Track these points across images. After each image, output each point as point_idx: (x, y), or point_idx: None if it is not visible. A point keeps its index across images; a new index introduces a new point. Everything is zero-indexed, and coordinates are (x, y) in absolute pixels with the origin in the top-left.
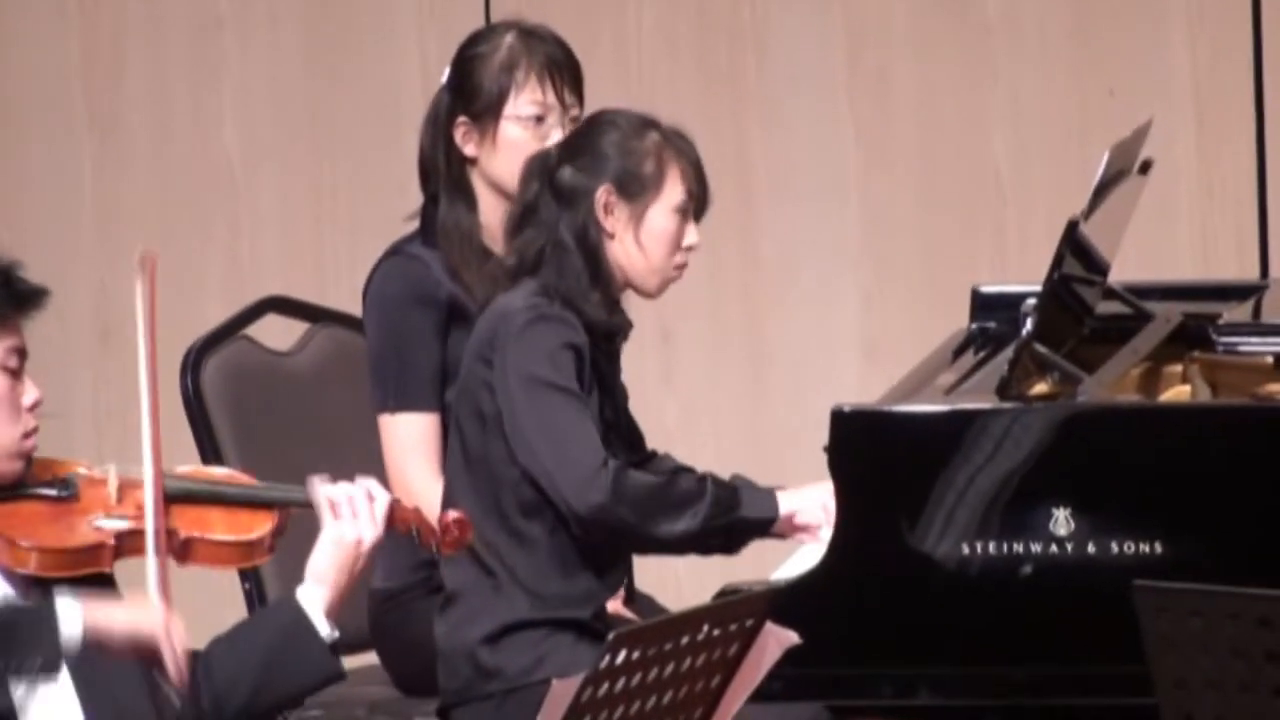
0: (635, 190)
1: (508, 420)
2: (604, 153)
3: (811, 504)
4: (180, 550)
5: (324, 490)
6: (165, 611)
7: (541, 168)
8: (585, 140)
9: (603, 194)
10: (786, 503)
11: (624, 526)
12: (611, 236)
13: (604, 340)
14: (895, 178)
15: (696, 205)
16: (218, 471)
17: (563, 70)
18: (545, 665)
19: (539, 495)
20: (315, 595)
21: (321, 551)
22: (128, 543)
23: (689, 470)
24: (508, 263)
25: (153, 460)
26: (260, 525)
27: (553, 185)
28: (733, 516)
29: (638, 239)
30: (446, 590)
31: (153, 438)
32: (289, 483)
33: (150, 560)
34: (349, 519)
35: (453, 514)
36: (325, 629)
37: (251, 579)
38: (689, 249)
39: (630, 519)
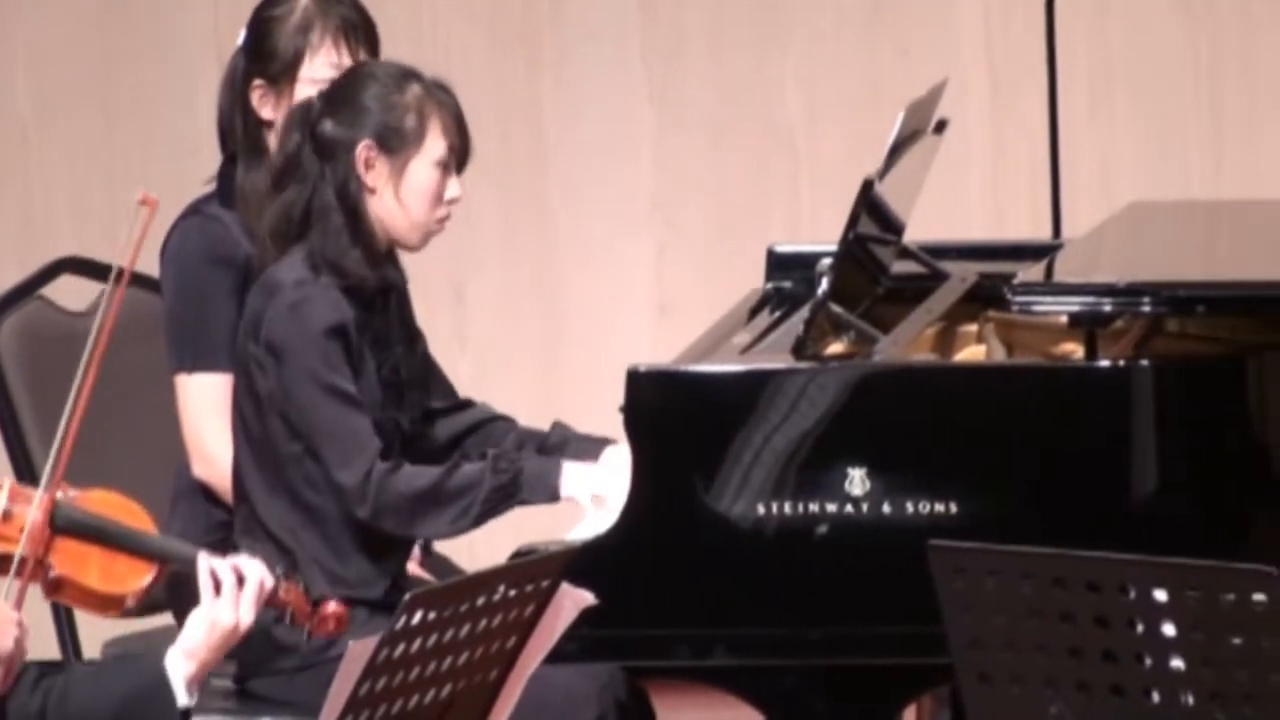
0: (396, 145)
1: (286, 401)
2: (364, 106)
3: (596, 482)
4: (50, 585)
5: (210, 564)
6: (14, 624)
7: (303, 119)
8: (346, 92)
9: (363, 150)
10: (571, 480)
11: (394, 532)
12: (373, 192)
13: (377, 296)
14: (689, 136)
15: (458, 158)
16: (114, 500)
17: (358, 31)
18: (340, 642)
19: (322, 470)
20: (180, 666)
21: (195, 627)
22: None
23: (504, 420)
24: (275, 225)
25: (50, 484)
26: (136, 579)
27: (314, 138)
28: (510, 504)
29: (398, 194)
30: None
31: (58, 460)
32: (107, 468)
33: (12, 582)
34: (228, 602)
35: (333, 607)
36: (184, 698)
37: None
38: (451, 202)
39: (398, 527)
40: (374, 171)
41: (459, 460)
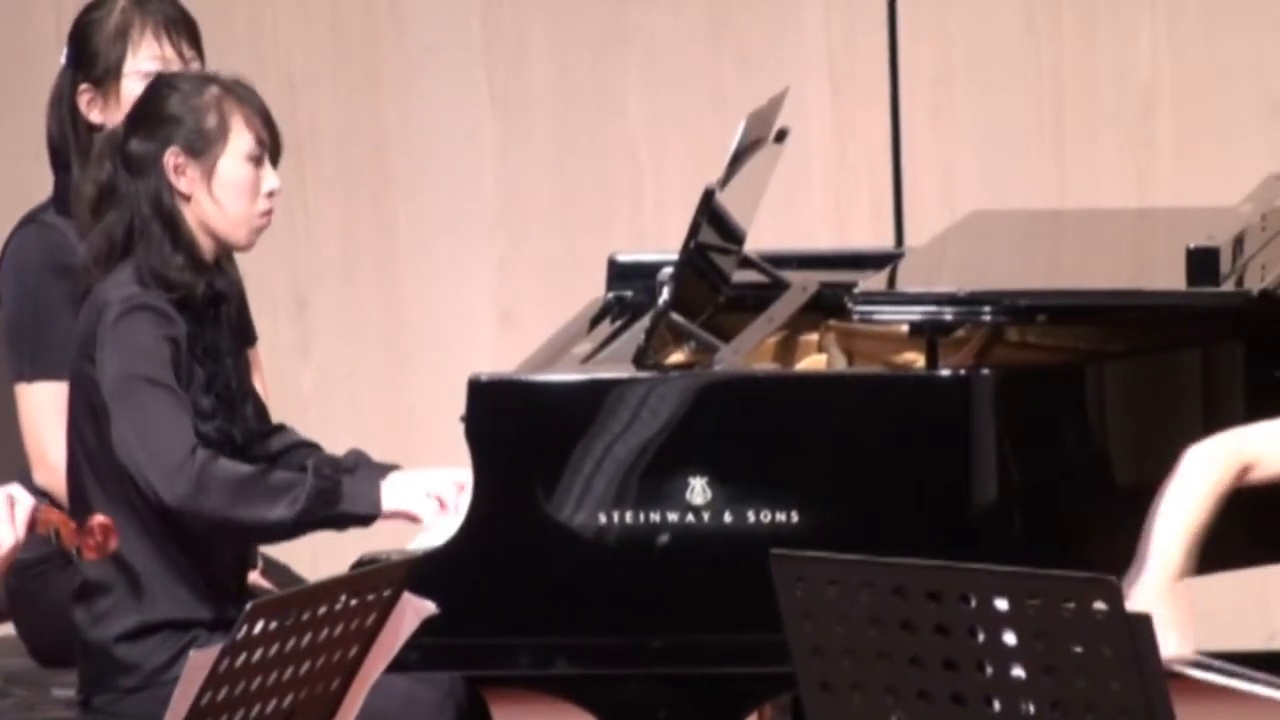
0: (201, 146)
1: (111, 402)
2: (166, 116)
3: (418, 494)
4: None
5: None
6: None
7: (110, 146)
8: (147, 108)
9: (170, 157)
10: (392, 495)
11: (215, 515)
12: (188, 198)
13: (209, 308)
14: (531, 147)
15: (270, 151)
16: None
17: (179, 25)
18: (182, 661)
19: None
20: None
21: None
22: None
23: (310, 446)
24: (98, 250)
25: None
26: None
27: (124, 159)
28: (333, 510)
29: (213, 194)
30: (84, 579)
31: None
32: None
33: None
34: (4, 521)
35: (98, 518)
36: None
37: None
38: (270, 194)
39: (219, 508)
40: (185, 177)
41: (284, 454)
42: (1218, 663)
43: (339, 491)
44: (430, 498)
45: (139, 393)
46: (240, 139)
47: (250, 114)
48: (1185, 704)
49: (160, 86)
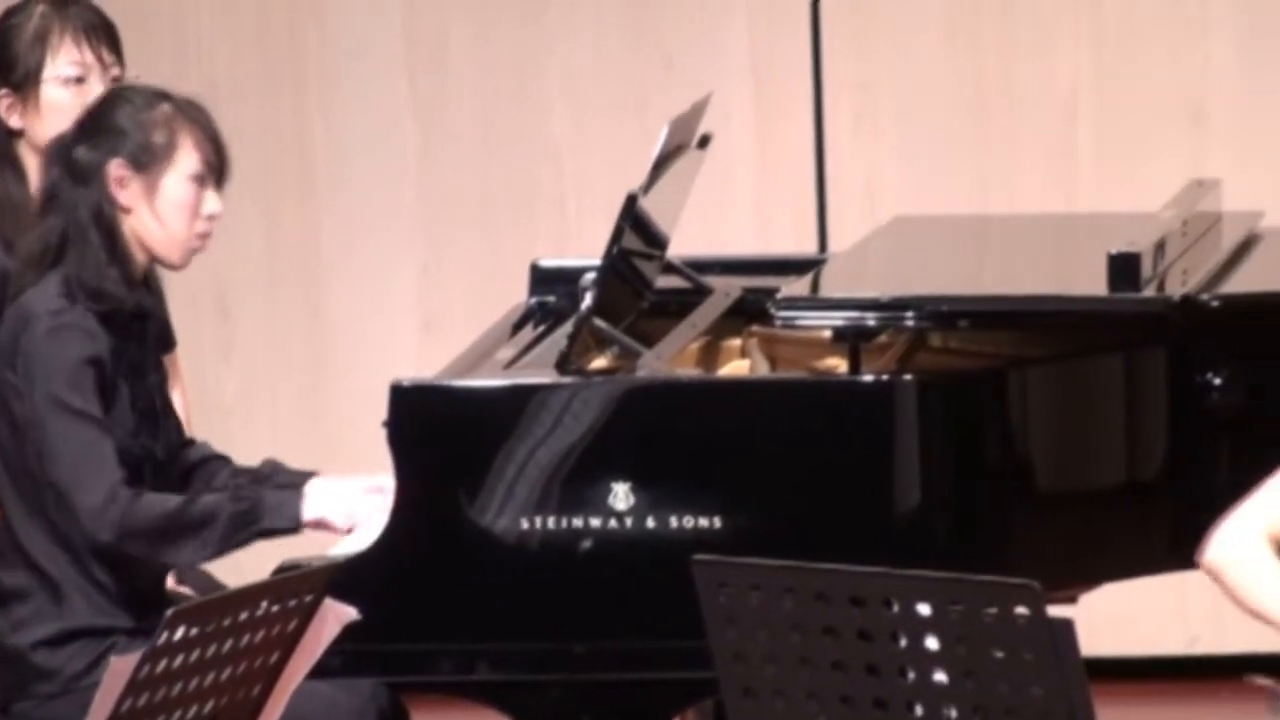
0: (147, 161)
1: (34, 432)
2: (115, 127)
3: (337, 504)
4: None
5: None
6: None
7: (58, 152)
8: (98, 117)
9: (115, 168)
10: (312, 505)
11: (138, 555)
12: (128, 211)
13: (134, 321)
14: (454, 152)
15: (216, 174)
16: None
17: (99, 31)
18: (102, 668)
19: (63, 495)
20: None
21: None
22: None
23: (222, 459)
24: (31, 251)
25: None
26: None
27: (68, 166)
28: (254, 530)
29: (154, 210)
30: (5, 587)
31: None
32: None
33: None
34: None
35: None
36: None
37: None
38: (211, 218)
39: (141, 551)
40: (128, 190)
41: (201, 491)
42: None
43: (259, 510)
44: (350, 508)
45: (63, 422)
46: (187, 159)
47: (200, 136)
48: (1106, 708)
49: (113, 97)
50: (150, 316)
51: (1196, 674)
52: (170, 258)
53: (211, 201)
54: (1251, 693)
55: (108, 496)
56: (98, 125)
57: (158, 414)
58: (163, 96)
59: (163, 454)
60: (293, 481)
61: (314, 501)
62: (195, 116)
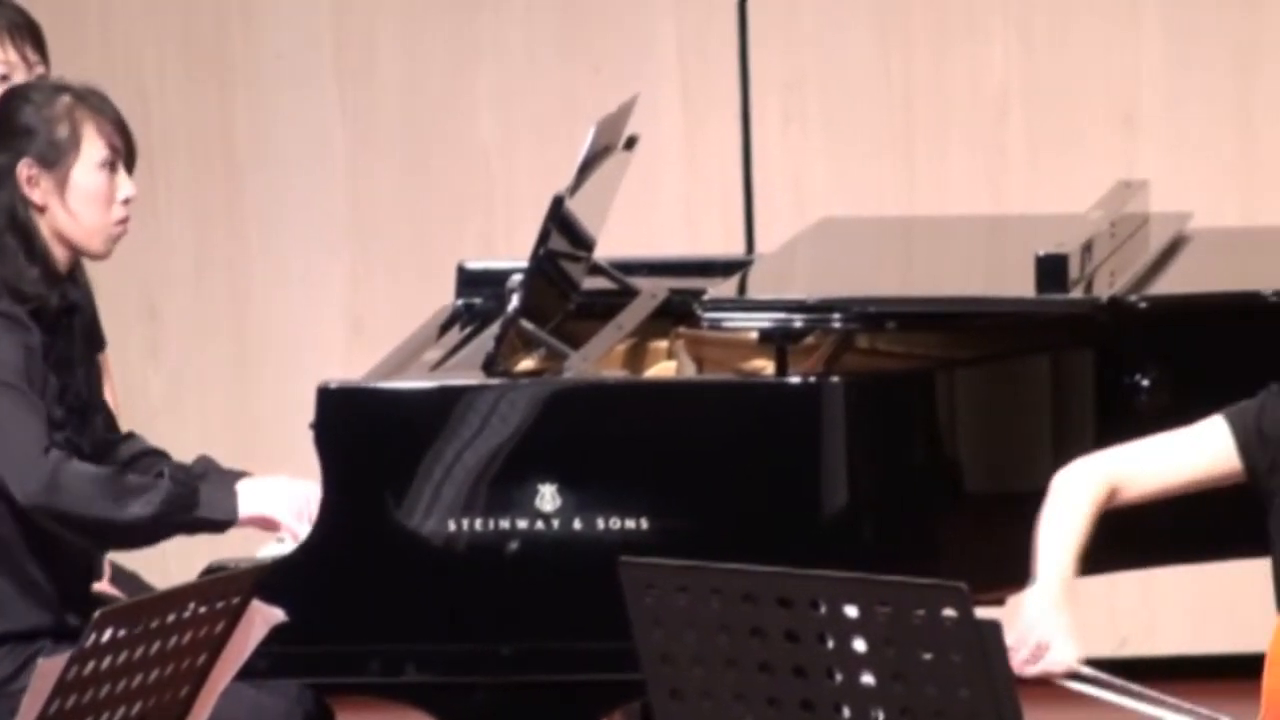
0: (54, 157)
1: None
2: (18, 128)
3: (275, 500)
4: None
5: None
6: None
7: None
8: (1, 121)
9: (24, 169)
10: (248, 502)
11: (71, 512)
12: (42, 209)
13: (61, 318)
14: (382, 154)
15: (124, 158)
16: None
17: (22, 30)
18: (29, 671)
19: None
20: None
21: None
22: None
23: (158, 454)
24: None
25: None
26: None
27: None
28: (189, 515)
29: (67, 204)
30: None
31: None
32: None
33: None
34: None
35: None
36: None
37: None
38: (126, 202)
39: (75, 505)
40: (39, 188)
41: (137, 459)
42: (1113, 678)
43: (196, 497)
44: (288, 505)
45: None
46: (92, 148)
47: (102, 122)
48: (1034, 710)
49: (13, 98)
50: (77, 311)
51: (1126, 676)
52: (92, 248)
53: (125, 186)
54: (1184, 694)
55: (40, 451)
56: (2, 128)
57: (85, 409)
58: (61, 89)
59: (89, 449)
60: (229, 481)
61: (250, 498)
62: (96, 104)
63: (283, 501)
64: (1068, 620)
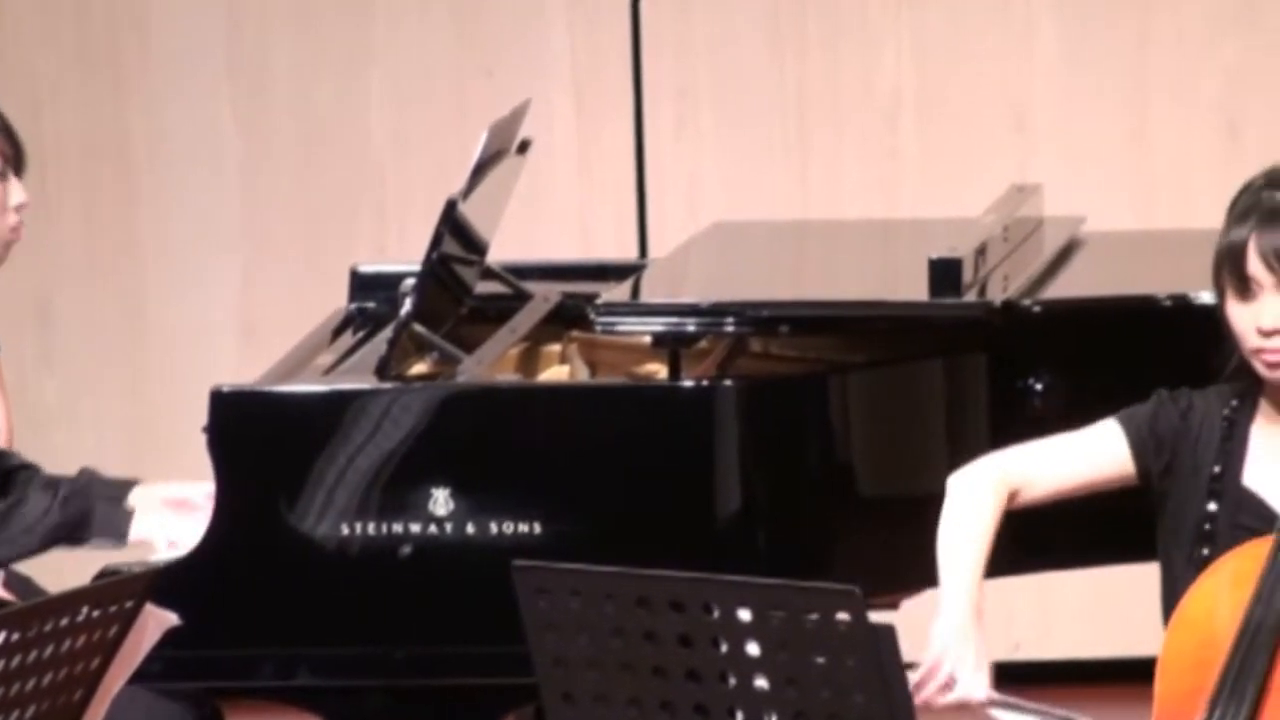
0: None
1: None
2: None
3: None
4: None
5: None
6: None
7: None
8: None
9: None
10: (138, 526)
11: None
12: None
13: None
14: (275, 158)
15: (13, 164)
16: None
17: None
18: None
19: None
20: None
21: None
22: None
23: (29, 468)
24: None
25: None
26: None
27: None
28: (78, 538)
29: None
30: None
31: None
32: None
33: None
34: None
35: None
36: None
37: None
38: (19, 208)
39: None
40: None
41: (25, 494)
42: (1027, 703)
43: (89, 520)
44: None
45: None
46: None
47: None
48: (927, 716)
49: None
50: None
51: (1019, 680)
52: None
53: (17, 192)
54: (1078, 699)
55: None
56: None
57: None
58: None
59: None
60: (115, 494)
61: (140, 522)
62: None
63: (166, 532)
64: (973, 650)
